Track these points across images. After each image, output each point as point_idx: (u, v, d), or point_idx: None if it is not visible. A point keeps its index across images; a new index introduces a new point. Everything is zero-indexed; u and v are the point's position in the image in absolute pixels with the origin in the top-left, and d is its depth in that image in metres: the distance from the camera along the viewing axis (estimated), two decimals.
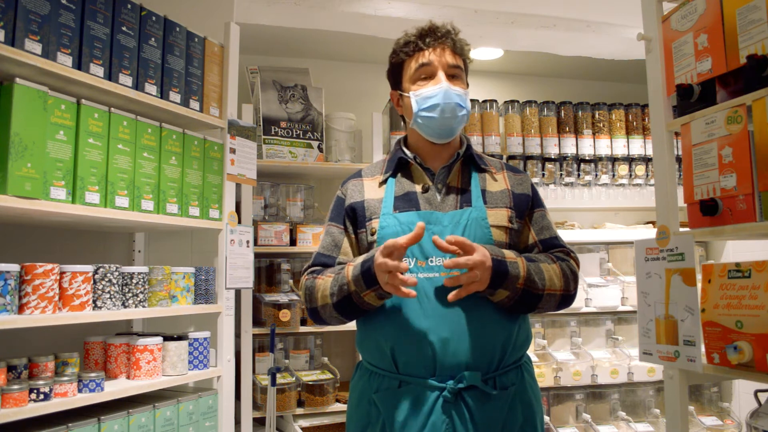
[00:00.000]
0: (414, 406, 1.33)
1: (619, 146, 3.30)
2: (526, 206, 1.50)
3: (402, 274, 1.27)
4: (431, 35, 1.47)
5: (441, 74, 1.45)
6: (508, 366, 1.39)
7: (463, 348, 1.32)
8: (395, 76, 1.55)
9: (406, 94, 1.50)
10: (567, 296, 1.43)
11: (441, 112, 1.43)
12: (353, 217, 1.49)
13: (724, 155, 1.23)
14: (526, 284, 1.34)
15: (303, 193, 3.03)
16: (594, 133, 3.31)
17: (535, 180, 3.20)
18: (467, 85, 1.53)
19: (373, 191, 1.50)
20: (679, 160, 1.81)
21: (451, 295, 1.29)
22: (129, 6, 1.88)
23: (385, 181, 1.50)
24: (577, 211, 3.41)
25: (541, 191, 3.22)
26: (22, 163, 1.52)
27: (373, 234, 1.43)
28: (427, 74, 1.47)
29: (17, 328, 1.55)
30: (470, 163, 1.51)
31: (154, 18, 1.97)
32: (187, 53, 2.10)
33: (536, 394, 1.44)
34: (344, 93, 3.39)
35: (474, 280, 1.29)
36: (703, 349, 1.29)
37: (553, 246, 1.50)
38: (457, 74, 1.48)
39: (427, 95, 1.44)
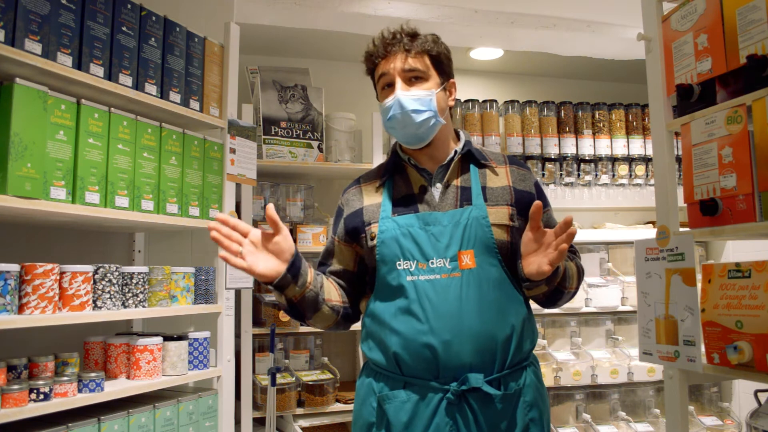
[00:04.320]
0: (418, 408, 1.33)
1: (619, 146, 3.30)
2: (530, 205, 1.48)
3: None
4: (382, 45, 1.45)
5: (398, 82, 1.42)
6: (513, 367, 1.38)
7: (466, 350, 1.32)
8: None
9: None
10: (574, 294, 1.46)
11: (398, 123, 1.41)
12: (353, 231, 1.48)
13: (724, 155, 1.23)
14: (560, 282, 1.37)
15: (303, 193, 3.02)
16: (594, 133, 3.31)
17: None
18: (442, 81, 1.46)
19: (371, 196, 1.50)
20: (679, 160, 1.82)
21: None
22: (129, 6, 1.88)
23: (382, 185, 1.50)
24: (577, 211, 3.40)
25: None
26: (22, 163, 1.52)
27: (372, 239, 1.43)
28: (387, 84, 1.45)
29: (17, 328, 1.55)
30: (469, 159, 1.49)
31: (154, 18, 1.97)
32: (187, 53, 2.10)
33: (543, 396, 1.43)
34: (344, 93, 3.39)
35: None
36: (703, 349, 1.29)
37: None
38: (418, 76, 1.43)
39: (386, 107, 1.43)
